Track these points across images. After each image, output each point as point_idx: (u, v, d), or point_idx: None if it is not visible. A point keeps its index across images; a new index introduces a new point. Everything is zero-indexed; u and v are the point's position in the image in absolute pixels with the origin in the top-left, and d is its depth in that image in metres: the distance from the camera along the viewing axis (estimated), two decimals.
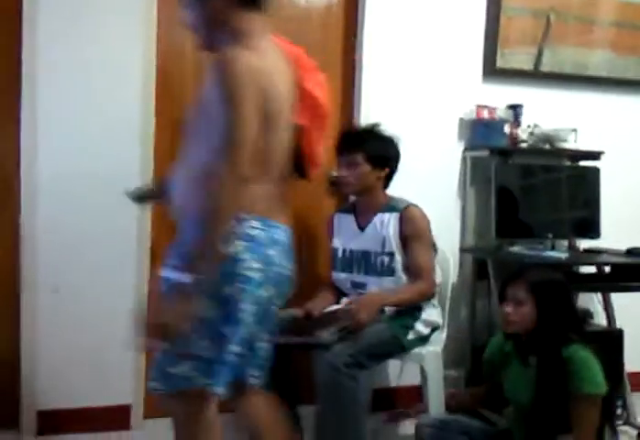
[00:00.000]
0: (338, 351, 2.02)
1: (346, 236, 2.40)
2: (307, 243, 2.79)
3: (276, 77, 1.44)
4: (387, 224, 2.30)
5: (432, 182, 2.79)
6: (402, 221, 2.28)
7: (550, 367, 1.82)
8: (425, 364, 2.32)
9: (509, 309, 1.87)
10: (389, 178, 2.37)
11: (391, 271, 2.28)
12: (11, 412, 2.42)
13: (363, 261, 2.32)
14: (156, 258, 2.41)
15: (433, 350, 2.35)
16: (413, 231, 2.28)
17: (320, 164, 1.65)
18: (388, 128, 2.37)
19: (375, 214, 2.34)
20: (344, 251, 2.38)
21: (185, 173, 1.45)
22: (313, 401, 2.34)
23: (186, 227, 1.42)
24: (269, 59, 1.44)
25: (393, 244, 2.27)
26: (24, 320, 2.40)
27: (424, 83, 2.84)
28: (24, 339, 2.40)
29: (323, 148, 1.63)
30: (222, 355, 1.43)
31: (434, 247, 2.39)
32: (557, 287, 1.91)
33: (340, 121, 2.82)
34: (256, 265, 1.43)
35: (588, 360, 1.82)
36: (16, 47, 2.32)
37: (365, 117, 2.75)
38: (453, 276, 2.80)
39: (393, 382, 2.82)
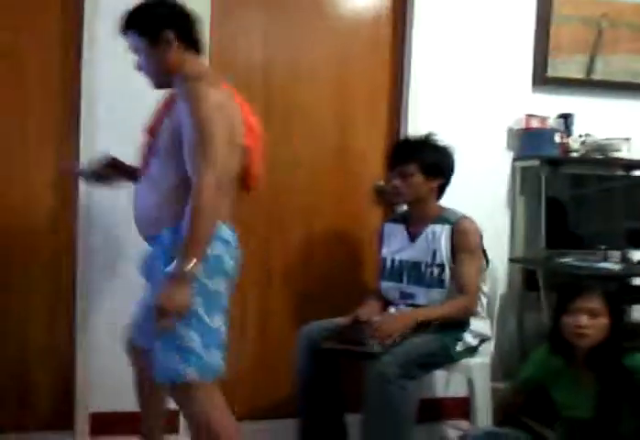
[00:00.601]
0: (389, 361, 2.01)
1: (396, 246, 2.38)
2: (355, 253, 2.81)
3: (236, 109, 1.73)
4: (439, 236, 2.27)
5: (481, 192, 2.78)
6: (453, 233, 2.25)
7: (616, 379, 1.78)
8: (473, 375, 2.29)
9: (584, 321, 1.82)
10: (442, 188, 2.35)
11: (440, 283, 2.26)
12: (66, 413, 2.50)
13: (413, 271, 2.31)
14: None
15: (480, 362, 2.32)
16: (464, 245, 2.24)
17: (261, 179, 1.89)
18: (441, 138, 2.36)
19: (427, 225, 2.31)
20: (393, 261, 2.37)
21: (149, 189, 1.76)
22: (358, 409, 2.36)
23: (163, 233, 1.71)
24: (227, 94, 1.72)
25: (444, 256, 2.25)
26: (78, 323, 2.48)
27: (474, 93, 2.83)
28: (78, 342, 2.48)
29: (260, 165, 1.87)
30: (220, 340, 1.71)
31: (485, 259, 2.35)
32: (622, 298, 1.89)
33: (388, 131, 2.84)
34: (232, 263, 1.75)
35: None
36: (75, 52, 2.43)
37: (413, 127, 2.76)
38: (502, 287, 2.79)
39: (440, 393, 2.80)
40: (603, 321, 1.82)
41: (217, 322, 1.69)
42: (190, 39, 1.78)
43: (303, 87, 2.75)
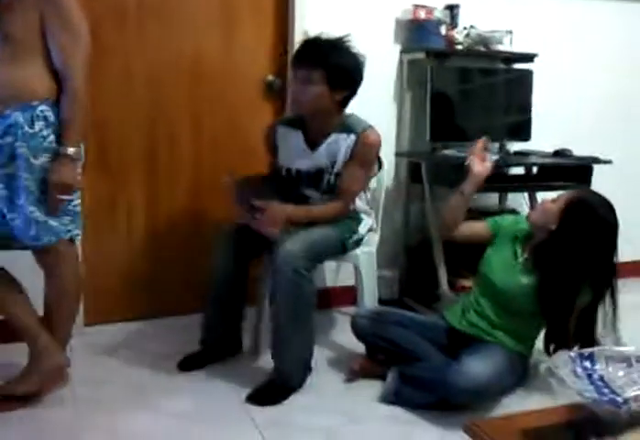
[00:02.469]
0: (298, 255, 2.03)
1: (293, 155, 2.26)
2: (245, 146, 2.76)
3: None
4: (341, 145, 2.19)
5: (368, 86, 2.71)
6: (357, 144, 2.18)
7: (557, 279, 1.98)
8: (360, 264, 2.39)
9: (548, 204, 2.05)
10: (347, 100, 2.21)
11: (334, 191, 2.25)
12: None
13: (312, 178, 2.26)
14: None
15: (367, 250, 2.42)
16: (362, 156, 2.20)
17: None
18: (353, 43, 2.18)
19: (329, 133, 2.20)
20: (289, 170, 2.28)
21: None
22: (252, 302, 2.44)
23: (7, 113, 1.83)
24: None
25: (342, 165, 2.21)
26: None
27: None
28: None
29: None
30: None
31: (379, 163, 2.36)
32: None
33: (276, 25, 2.73)
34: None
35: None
36: None
37: (300, 19, 2.67)
38: (388, 180, 2.87)
39: (330, 283, 2.93)
40: (555, 207, 2.00)
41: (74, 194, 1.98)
42: None
43: None
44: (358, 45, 2.19)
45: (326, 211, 2.23)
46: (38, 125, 1.84)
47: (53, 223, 1.91)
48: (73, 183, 1.89)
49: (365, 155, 2.22)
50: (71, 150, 1.85)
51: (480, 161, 2.16)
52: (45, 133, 1.85)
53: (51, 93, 1.86)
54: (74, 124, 1.86)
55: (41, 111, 1.84)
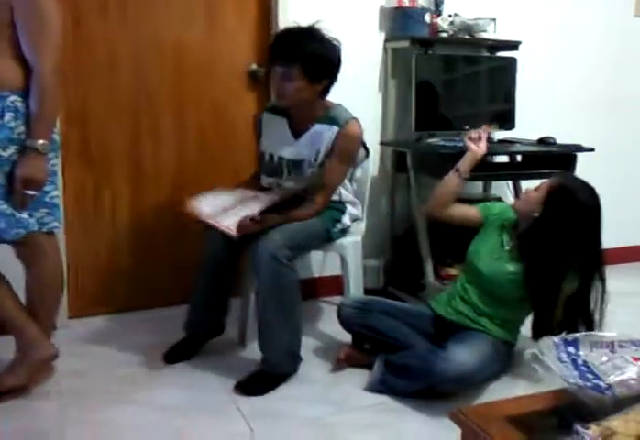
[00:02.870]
0: (279, 244, 2.03)
1: (277, 142, 2.27)
2: (226, 134, 2.74)
3: None
4: (324, 136, 2.19)
5: (353, 75, 2.72)
6: (338, 136, 2.18)
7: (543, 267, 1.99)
8: (346, 253, 2.39)
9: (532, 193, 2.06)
10: (328, 87, 2.20)
11: (317, 184, 2.23)
12: None
13: (294, 169, 2.24)
14: None
15: (353, 240, 2.41)
16: (342, 148, 2.20)
17: None
18: (326, 28, 2.14)
19: (312, 123, 2.21)
20: (272, 156, 2.27)
21: None
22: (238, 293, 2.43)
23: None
24: None
25: (324, 156, 2.21)
26: None
27: None
28: None
29: None
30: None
31: (366, 151, 2.36)
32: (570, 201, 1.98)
33: (259, 10, 2.71)
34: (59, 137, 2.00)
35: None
36: None
37: (283, 5, 2.64)
38: (373, 169, 2.86)
39: (316, 273, 2.93)
40: (538, 195, 2.01)
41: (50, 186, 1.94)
42: None
43: None
44: (341, 33, 2.19)
45: (304, 214, 2.20)
46: (8, 115, 1.79)
47: (22, 216, 1.87)
48: (41, 178, 1.83)
49: (345, 147, 2.21)
50: (39, 143, 1.80)
51: (477, 142, 2.23)
52: (14, 124, 1.80)
53: (23, 84, 1.81)
54: (43, 116, 1.80)
55: (12, 101, 1.80)
